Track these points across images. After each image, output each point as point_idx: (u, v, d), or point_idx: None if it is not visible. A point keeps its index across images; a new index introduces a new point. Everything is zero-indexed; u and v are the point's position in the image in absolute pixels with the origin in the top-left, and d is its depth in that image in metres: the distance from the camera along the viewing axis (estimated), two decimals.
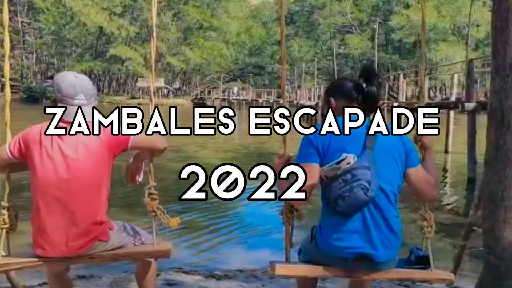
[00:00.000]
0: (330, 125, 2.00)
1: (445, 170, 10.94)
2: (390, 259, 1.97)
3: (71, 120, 2.15)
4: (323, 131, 1.98)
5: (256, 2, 74.04)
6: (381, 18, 46.90)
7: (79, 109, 2.16)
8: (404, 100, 16.86)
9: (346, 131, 1.96)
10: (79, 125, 2.16)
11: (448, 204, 7.24)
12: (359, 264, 1.93)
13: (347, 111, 2.04)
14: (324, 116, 2.12)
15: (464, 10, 35.47)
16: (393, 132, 2.01)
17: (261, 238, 5.07)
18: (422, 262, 2.12)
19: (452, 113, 13.33)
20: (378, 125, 1.98)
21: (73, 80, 2.19)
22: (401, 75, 18.53)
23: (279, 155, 2.11)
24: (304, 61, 55.35)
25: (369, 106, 2.08)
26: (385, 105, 18.77)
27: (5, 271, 2.28)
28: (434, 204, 7.09)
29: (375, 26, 41.79)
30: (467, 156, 9.14)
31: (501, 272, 2.32)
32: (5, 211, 2.23)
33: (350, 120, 1.99)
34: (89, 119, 2.18)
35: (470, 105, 9.51)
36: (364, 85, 2.07)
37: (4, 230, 2.22)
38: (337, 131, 1.96)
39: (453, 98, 13.39)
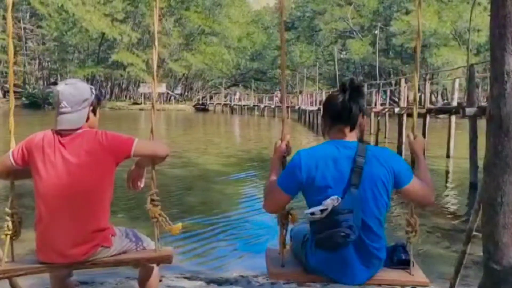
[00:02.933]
0: (320, 151, 2.06)
1: (446, 175, 10.94)
2: (372, 276, 2.12)
3: (62, 128, 2.16)
4: (312, 159, 2.01)
5: (258, 7, 74.32)
6: (382, 23, 46.97)
7: (64, 118, 2.16)
8: (405, 105, 16.84)
9: (332, 163, 1.99)
10: (76, 131, 2.17)
11: (449, 209, 7.23)
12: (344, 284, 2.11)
13: (338, 134, 2.09)
14: (323, 133, 2.22)
15: (465, 15, 35.50)
16: (379, 157, 2.02)
17: (263, 244, 5.07)
18: (403, 263, 2.21)
19: (453, 118, 13.33)
20: (364, 154, 2.00)
21: (59, 88, 2.20)
22: (403, 80, 18.54)
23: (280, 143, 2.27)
24: (306, 66, 55.48)
25: (353, 122, 2.09)
26: (386, 110, 18.81)
27: (9, 277, 2.28)
28: (434, 209, 7.10)
29: (376, 31, 41.87)
30: (469, 161, 9.14)
31: (500, 277, 2.32)
32: (9, 218, 2.25)
33: (339, 150, 2.03)
34: (74, 126, 2.17)
35: (471, 110, 9.51)
36: (346, 104, 2.06)
37: (8, 237, 2.24)
38: (324, 161, 2.00)
39: (454, 103, 13.39)
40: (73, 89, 2.20)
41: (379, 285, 2.23)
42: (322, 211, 1.91)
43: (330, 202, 1.90)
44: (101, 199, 2.18)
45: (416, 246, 5.16)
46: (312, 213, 1.94)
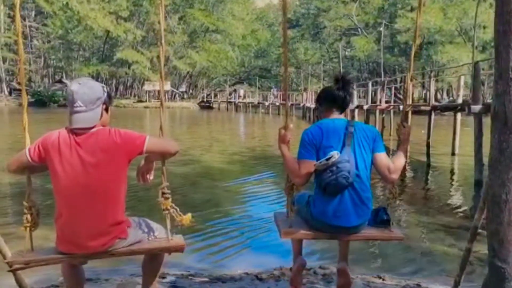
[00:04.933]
0: (321, 124, 2.71)
1: (451, 172, 10.91)
2: (362, 225, 2.66)
3: (77, 126, 2.24)
4: (317, 130, 2.66)
5: (262, 4, 74.19)
6: (387, 20, 46.78)
7: (79, 117, 2.23)
8: (410, 102, 16.78)
9: (331, 131, 2.64)
10: (90, 130, 2.25)
11: (454, 207, 7.21)
12: (340, 230, 2.64)
13: (332, 115, 2.76)
14: (317, 117, 2.90)
15: (471, 12, 35.32)
16: (365, 129, 2.68)
17: (267, 242, 5.09)
18: (384, 223, 2.73)
19: (459, 115, 13.28)
20: (352, 125, 2.66)
21: (74, 88, 2.26)
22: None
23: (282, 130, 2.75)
24: (310, 63, 55.35)
25: (344, 108, 2.78)
26: (391, 107, 18.76)
27: (31, 267, 2.38)
28: (439, 207, 7.09)
29: (381, 29, 41.71)
30: (474, 158, 9.11)
31: (505, 275, 2.32)
32: (27, 211, 2.37)
33: (334, 122, 2.70)
34: (89, 125, 2.25)
35: (476, 107, 9.47)
36: (340, 92, 2.73)
37: (28, 228, 2.36)
38: (326, 130, 2.64)
39: (459, 100, 13.34)
40: (87, 88, 2.28)
41: (366, 239, 2.83)
42: (328, 159, 2.50)
43: (333, 153, 2.50)
44: (117, 194, 2.29)
45: (421, 244, 5.16)
46: (320, 162, 2.52)
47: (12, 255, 2.41)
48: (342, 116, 2.77)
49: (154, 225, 2.55)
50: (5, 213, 6.03)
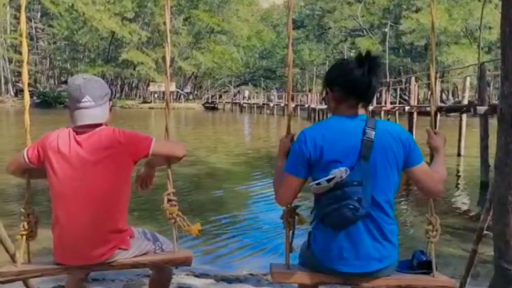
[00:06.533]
0: (326, 127, 1.90)
1: (457, 173, 10.87)
2: (388, 266, 1.91)
3: (82, 124, 2.07)
4: (317, 136, 1.85)
5: (266, 5, 74.21)
6: (392, 21, 46.69)
7: (87, 112, 2.07)
8: (416, 104, 16.73)
9: (340, 137, 1.84)
10: (94, 129, 2.09)
11: (460, 208, 7.19)
12: (354, 276, 1.89)
13: (347, 109, 1.90)
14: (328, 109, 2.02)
15: (476, 13, 35.21)
16: (391, 132, 1.87)
17: (273, 242, 5.09)
18: (424, 267, 2.03)
19: (464, 116, 13.24)
20: (374, 126, 1.84)
21: (79, 82, 2.09)
22: (413, 78, 18.42)
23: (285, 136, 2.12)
24: (315, 64, 55.25)
25: (370, 98, 1.92)
26: (396, 108, 18.72)
27: (24, 279, 2.24)
28: (445, 208, 7.06)
29: (386, 30, 41.62)
30: (480, 159, 9.07)
31: (511, 277, 2.31)
32: (24, 218, 2.19)
33: (346, 122, 1.88)
34: (98, 121, 2.10)
35: (482, 109, 9.44)
36: (364, 78, 1.85)
37: (24, 237, 2.18)
38: (331, 136, 1.85)
39: (465, 101, 13.29)
40: (94, 82, 2.13)
41: (400, 286, 1.98)
42: (328, 180, 1.75)
43: (338, 172, 1.75)
44: (119, 199, 2.10)
45: (426, 245, 5.14)
46: (318, 184, 1.78)
47: (4, 266, 2.15)
48: (362, 111, 1.91)
49: (160, 237, 2.34)
50: (12, 214, 6.06)
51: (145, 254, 2.22)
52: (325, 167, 1.81)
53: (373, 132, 1.82)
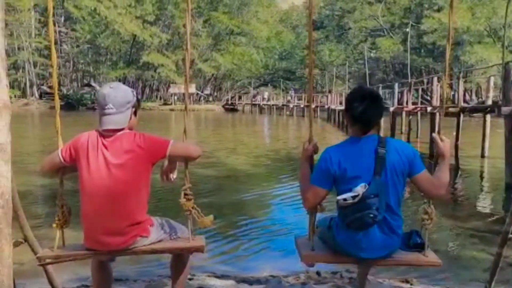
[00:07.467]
0: (346, 147, 2.37)
1: (481, 175, 10.68)
2: (392, 252, 2.39)
3: (108, 128, 2.35)
4: (339, 155, 2.32)
5: (286, 6, 74.19)
6: (414, 21, 46.15)
7: (110, 118, 2.34)
8: (438, 104, 16.49)
9: (357, 156, 2.30)
10: (117, 133, 2.35)
11: (484, 211, 7.07)
12: (367, 259, 2.40)
13: (358, 132, 2.36)
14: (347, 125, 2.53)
15: (500, 11, 34.49)
16: (398, 149, 2.31)
17: (293, 244, 5.08)
18: (418, 247, 2.45)
19: (488, 117, 12.99)
20: (384, 145, 2.30)
21: (105, 91, 2.37)
22: (435, 79, 18.16)
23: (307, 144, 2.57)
24: (335, 65, 55.07)
25: (370, 127, 2.36)
26: (418, 109, 18.48)
27: (60, 262, 2.49)
28: (469, 211, 6.95)
29: (407, 29, 41.15)
30: (505, 161, 8.90)
31: None
32: (59, 209, 2.50)
33: (361, 143, 2.34)
34: (119, 126, 2.36)
35: (507, 109, 9.25)
36: (365, 112, 2.31)
37: (59, 226, 2.49)
38: (351, 155, 2.31)
39: (489, 102, 13.03)
40: (118, 92, 2.39)
41: (397, 265, 2.57)
42: (354, 197, 2.20)
43: (360, 189, 2.19)
44: (138, 196, 2.36)
45: (450, 248, 5.07)
46: (345, 199, 2.22)
47: (42, 251, 2.52)
48: (373, 132, 2.37)
49: (177, 225, 2.61)
50: (38, 215, 6.19)
51: (162, 241, 2.50)
52: (348, 182, 2.28)
53: (384, 151, 2.28)
